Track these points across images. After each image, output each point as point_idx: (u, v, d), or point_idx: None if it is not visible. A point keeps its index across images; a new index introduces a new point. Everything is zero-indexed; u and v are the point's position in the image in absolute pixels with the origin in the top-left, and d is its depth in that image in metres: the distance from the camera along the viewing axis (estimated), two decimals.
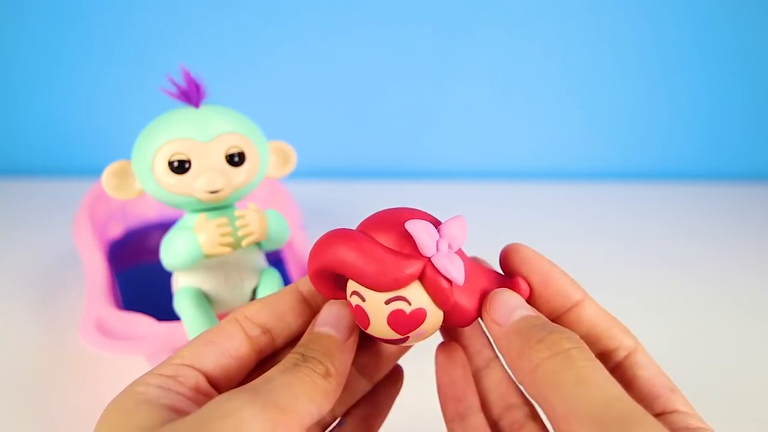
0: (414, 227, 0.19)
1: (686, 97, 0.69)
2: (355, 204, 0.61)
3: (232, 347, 0.21)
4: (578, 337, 0.18)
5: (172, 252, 0.26)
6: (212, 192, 0.26)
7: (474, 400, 0.23)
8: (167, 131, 0.26)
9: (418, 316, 0.19)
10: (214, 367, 0.20)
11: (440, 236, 0.19)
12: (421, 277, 0.19)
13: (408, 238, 0.19)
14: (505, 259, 0.22)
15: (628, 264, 0.53)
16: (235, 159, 0.26)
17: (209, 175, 0.26)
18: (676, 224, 0.62)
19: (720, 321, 0.46)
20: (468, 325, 0.20)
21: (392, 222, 0.20)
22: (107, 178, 0.27)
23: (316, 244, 0.20)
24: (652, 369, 0.20)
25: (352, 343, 0.21)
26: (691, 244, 0.58)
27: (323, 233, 0.20)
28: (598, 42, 0.65)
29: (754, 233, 0.60)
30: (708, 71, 0.67)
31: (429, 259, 0.19)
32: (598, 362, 0.17)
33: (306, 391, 0.18)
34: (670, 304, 0.48)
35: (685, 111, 0.70)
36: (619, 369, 0.20)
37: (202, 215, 0.26)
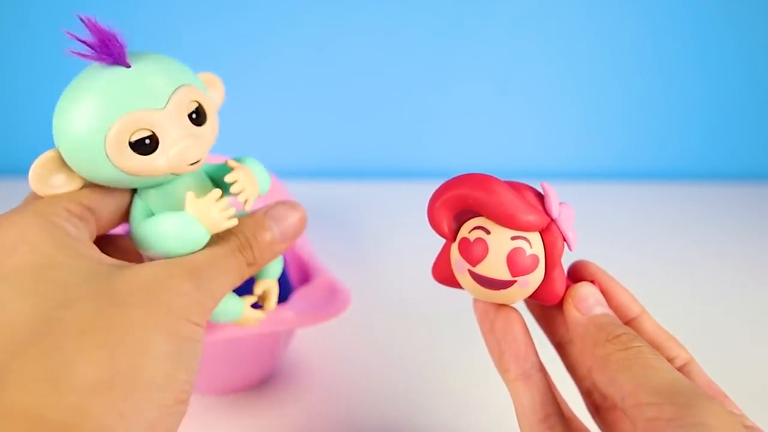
0: (550, 187, 0.22)
1: (685, 97, 0.69)
2: (355, 204, 0.61)
3: (125, 203, 0.23)
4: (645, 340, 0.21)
5: (172, 243, 0.22)
6: (193, 163, 0.22)
7: (536, 360, 0.24)
8: (111, 105, 0.21)
9: (533, 262, 0.21)
10: (109, 219, 0.22)
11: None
12: (543, 232, 0.21)
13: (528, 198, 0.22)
14: (574, 272, 0.25)
15: (626, 264, 0.53)
16: (194, 116, 0.22)
17: (184, 143, 0.21)
18: (674, 224, 0.62)
19: (719, 321, 0.46)
20: (552, 302, 0.23)
21: (507, 183, 0.22)
22: (45, 186, 0.21)
23: (457, 177, 0.22)
24: (707, 378, 0.22)
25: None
26: (689, 244, 0.58)
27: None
28: (597, 43, 0.65)
29: (753, 233, 0.60)
30: (706, 71, 0.67)
31: (553, 219, 0.22)
32: (662, 357, 0.20)
33: (234, 282, 0.22)
34: (667, 304, 0.48)
35: (683, 111, 0.70)
36: None
37: (190, 194, 0.22)
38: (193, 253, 0.21)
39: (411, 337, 0.42)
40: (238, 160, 0.24)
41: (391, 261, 0.51)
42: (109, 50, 0.21)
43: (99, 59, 0.21)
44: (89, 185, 0.22)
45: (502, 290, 0.22)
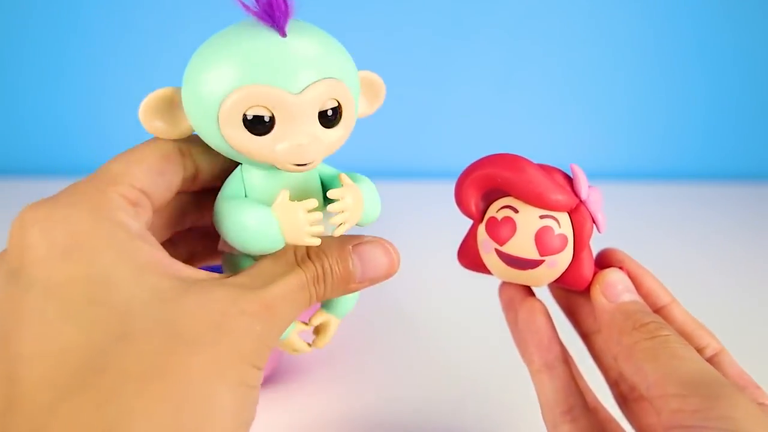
0: (579, 169, 0.21)
1: (686, 97, 0.69)
2: None
3: (175, 184, 0.20)
4: (674, 329, 0.20)
5: (244, 233, 0.20)
6: (299, 165, 0.19)
7: (559, 351, 0.24)
8: (243, 68, 0.18)
9: (562, 241, 0.21)
10: (160, 201, 0.19)
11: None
12: (572, 212, 0.21)
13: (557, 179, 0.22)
14: (601, 260, 0.24)
15: None
16: (329, 114, 0.19)
17: (298, 140, 0.19)
18: (675, 225, 0.62)
19: (719, 321, 0.46)
20: (579, 287, 0.22)
21: (535, 164, 0.22)
22: (148, 118, 0.20)
23: (486, 157, 0.22)
24: (737, 367, 0.22)
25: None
26: (689, 244, 0.58)
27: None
28: (597, 43, 0.65)
29: (753, 233, 0.60)
30: (707, 71, 0.67)
31: (582, 201, 0.21)
32: (690, 347, 0.19)
33: (298, 315, 0.19)
34: None
35: (684, 111, 0.70)
36: None
37: (284, 192, 0.19)
38: (267, 281, 0.18)
39: (411, 337, 0.42)
40: (352, 177, 0.21)
41: None
42: (272, 11, 0.18)
43: (258, 17, 0.19)
44: (146, 162, 0.19)
45: (529, 270, 0.21)
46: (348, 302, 0.24)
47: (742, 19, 0.65)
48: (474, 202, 0.22)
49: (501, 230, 0.21)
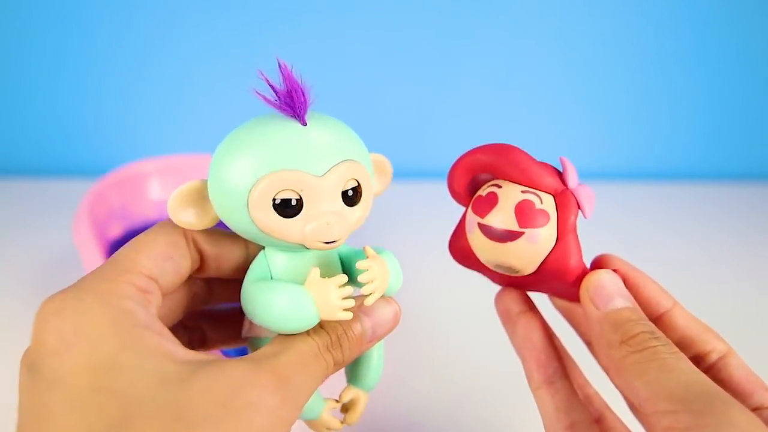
0: (569, 162, 0.22)
1: (688, 97, 0.69)
2: None
3: (184, 268, 0.20)
4: (665, 336, 0.19)
5: (278, 313, 0.20)
6: (328, 242, 0.20)
7: (558, 366, 0.23)
8: (271, 157, 0.19)
9: (543, 215, 0.21)
10: (168, 286, 0.20)
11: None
12: (557, 195, 0.21)
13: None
14: (596, 265, 0.23)
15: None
16: (350, 194, 0.21)
17: (326, 219, 0.20)
18: (678, 225, 0.62)
19: (721, 322, 0.46)
20: (565, 278, 0.21)
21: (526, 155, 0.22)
22: (177, 211, 0.20)
23: (478, 146, 0.23)
24: (746, 370, 0.21)
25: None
26: (693, 244, 0.58)
27: None
28: (599, 42, 0.65)
29: (756, 233, 0.60)
30: (709, 71, 0.67)
31: (569, 189, 0.21)
32: (682, 355, 0.19)
33: (317, 386, 0.19)
34: None
35: (686, 111, 0.70)
36: (712, 370, 0.21)
37: (315, 270, 0.20)
38: (278, 351, 0.18)
39: (409, 337, 0.42)
40: (376, 250, 0.22)
41: None
42: (292, 102, 0.20)
43: (279, 108, 0.20)
44: (154, 248, 0.20)
45: (509, 243, 0.21)
46: (374, 374, 0.25)
47: (746, 17, 0.64)
48: (463, 185, 0.23)
49: (483, 204, 0.22)
